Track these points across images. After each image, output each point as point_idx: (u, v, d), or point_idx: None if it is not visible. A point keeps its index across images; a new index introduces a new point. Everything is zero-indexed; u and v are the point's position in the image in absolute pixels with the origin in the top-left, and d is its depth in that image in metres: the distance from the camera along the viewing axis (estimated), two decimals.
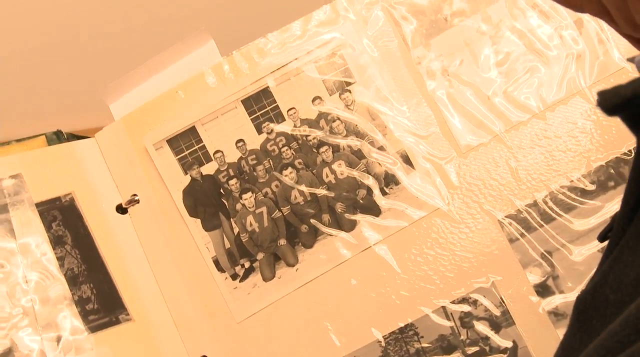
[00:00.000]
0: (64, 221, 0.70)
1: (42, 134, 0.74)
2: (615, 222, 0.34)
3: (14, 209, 0.68)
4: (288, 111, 0.72)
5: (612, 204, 0.65)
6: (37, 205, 0.69)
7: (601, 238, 0.39)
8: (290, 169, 0.71)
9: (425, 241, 0.67)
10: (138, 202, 0.72)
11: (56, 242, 0.69)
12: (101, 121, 0.76)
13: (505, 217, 0.67)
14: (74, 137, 0.75)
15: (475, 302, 0.65)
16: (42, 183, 0.70)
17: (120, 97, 0.76)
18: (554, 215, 0.66)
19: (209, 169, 0.72)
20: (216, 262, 0.70)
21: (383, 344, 0.66)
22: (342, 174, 0.70)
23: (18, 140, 0.73)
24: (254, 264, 0.70)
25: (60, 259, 0.68)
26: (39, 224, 0.69)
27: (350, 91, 0.71)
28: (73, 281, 0.68)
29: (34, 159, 0.71)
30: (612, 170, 0.66)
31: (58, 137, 0.75)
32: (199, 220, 0.71)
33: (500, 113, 0.69)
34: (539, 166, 0.67)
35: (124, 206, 0.73)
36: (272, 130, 0.72)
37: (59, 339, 0.65)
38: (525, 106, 0.68)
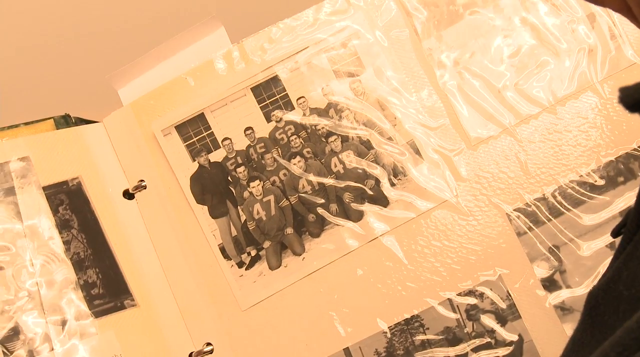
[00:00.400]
0: (70, 205, 0.70)
1: (50, 118, 0.74)
2: (628, 218, 0.34)
3: (21, 191, 0.68)
4: (297, 100, 0.72)
5: (621, 200, 0.65)
6: (44, 188, 0.69)
7: (614, 234, 0.39)
8: (298, 157, 0.71)
9: (433, 233, 0.67)
10: (145, 188, 0.72)
11: (63, 226, 0.69)
12: (109, 106, 0.76)
13: (514, 210, 0.66)
14: (82, 121, 0.75)
15: (481, 295, 0.65)
16: (50, 166, 0.70)
17: (129, 83, 0.76)
18: (562, 209, 0.66)
19: (217, 156, 0.72)
20: (222, 250, 0.70)
21: (388, 334, 0.66)
22: (350, 164, 0.70)
23: (26, 123, 0.73)
24: (260, 252, 0.70)
25: (67, 243, 0.68)
26: (45, 207, 0.69)
27: (360, 81, 0.71)
28: (79, 265, 0.68)
29: (42, 143, 0.71)
30: (621, 166, 0.66)
31: (66, 121, 0.74)
32: (206, 207, 0.71)
33: (510, 106, 0.68)
34: (548, 160, 0.67)
35: (130, 191, 0.72)
36: (281, 119, 0.72)
37: (63, 323, 0.65)
38: (535, 100, 0.68)
